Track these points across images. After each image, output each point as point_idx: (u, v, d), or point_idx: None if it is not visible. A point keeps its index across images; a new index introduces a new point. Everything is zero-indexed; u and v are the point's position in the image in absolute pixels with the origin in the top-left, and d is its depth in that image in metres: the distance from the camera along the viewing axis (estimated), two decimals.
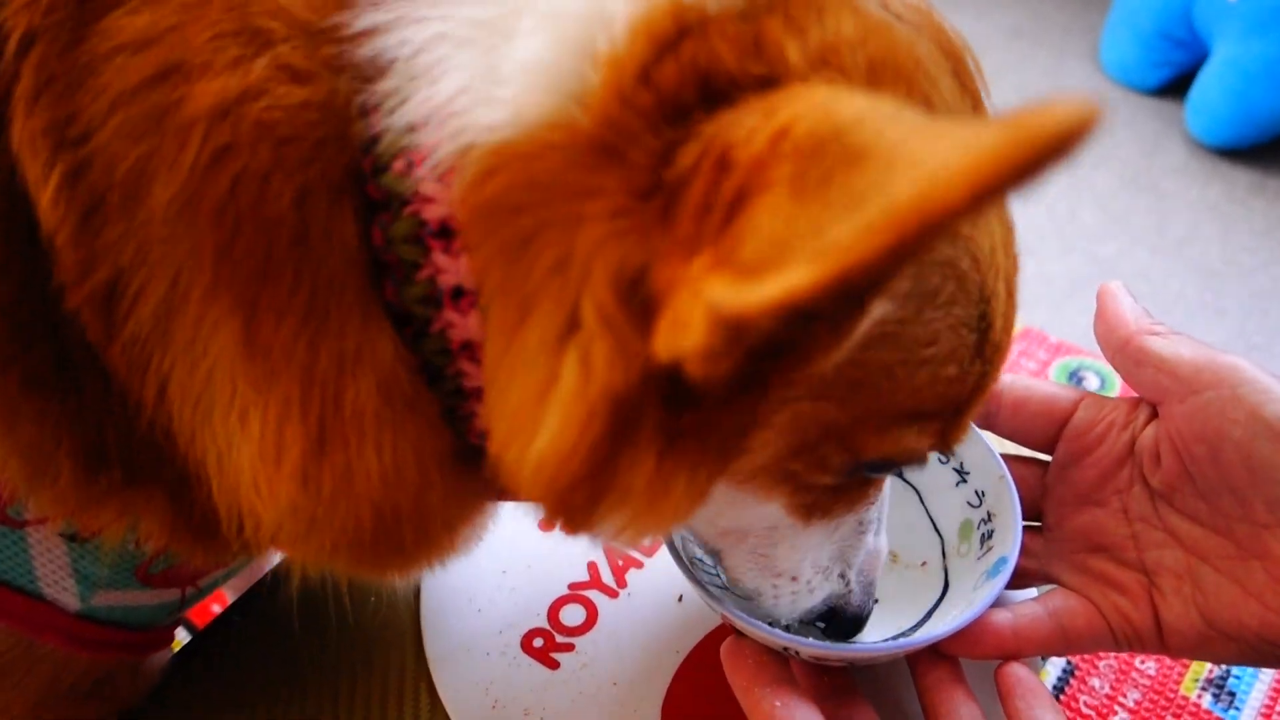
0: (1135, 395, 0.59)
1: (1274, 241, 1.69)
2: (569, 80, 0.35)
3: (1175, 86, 2.18)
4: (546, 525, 0.43)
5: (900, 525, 0.65)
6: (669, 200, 0.34)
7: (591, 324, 0.35)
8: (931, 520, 0.66)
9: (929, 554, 0.65)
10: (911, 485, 0.68)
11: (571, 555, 0.71)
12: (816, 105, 0.31)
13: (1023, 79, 2.19)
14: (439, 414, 0.42)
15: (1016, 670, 0.54)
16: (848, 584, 0.55)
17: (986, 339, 0.43)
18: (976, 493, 0.63)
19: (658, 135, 0.34)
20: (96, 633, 0.53)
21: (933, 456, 0.51)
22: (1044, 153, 0.24)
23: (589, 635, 0.66)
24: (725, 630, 0.65)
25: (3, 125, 0.38)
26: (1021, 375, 0.63)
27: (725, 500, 0.47)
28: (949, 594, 0.61)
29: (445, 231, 0.38)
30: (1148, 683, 0.80)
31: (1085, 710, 0.72)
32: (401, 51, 0.37)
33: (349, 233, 0.38)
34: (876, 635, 0.60)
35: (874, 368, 0.40)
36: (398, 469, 0.41)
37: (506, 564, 0.70)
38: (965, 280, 0.41)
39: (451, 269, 0.38)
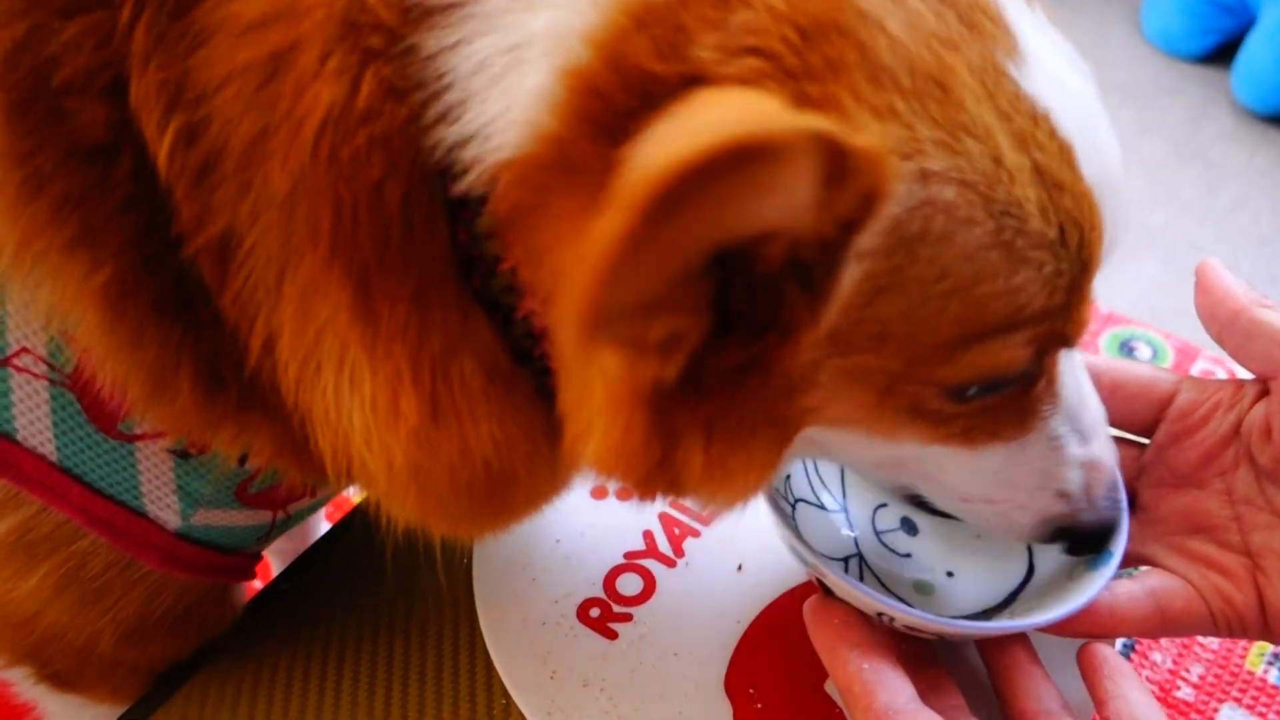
0: (1235, 377, 0.57)
1: None
2: (555, 98, 0.38)
3: (1220, 53, 2.13)
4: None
5: None
6: None
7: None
8: None
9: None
10: None
11: (626, 523, 0.69)
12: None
13: None
14: (534, 390, 0.46)
15: (1102, 649, 0.52)
16: (1071, 503, 0.52)
17: (1021, 242, 0.41)
18: None
19: (603, 153, 0.36)
20: (192, 553, 0.55)
21: None
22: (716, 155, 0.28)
23: (647, 605, 0.65)
24: (788, 600, 0.64)
25: (126, 83, 0.41)
26: (1117, 358, 0.61)
27: (843, 441, 0.48)
28: (1035, 578, 0.59)
29: None
30: (1211, 657, 0.79)
31: (1148, 685, 0.70)
32: (459, 71, 0.40)
33: (442, 229, 0.42)
34: (953, 612, 0.59)
35: (889, 319, 0.41)
36: (509, 439, 0.45)
37: (560, 532, 0.69)
38: (954, 210, 0.39)
39: (523, 262, 0.41)
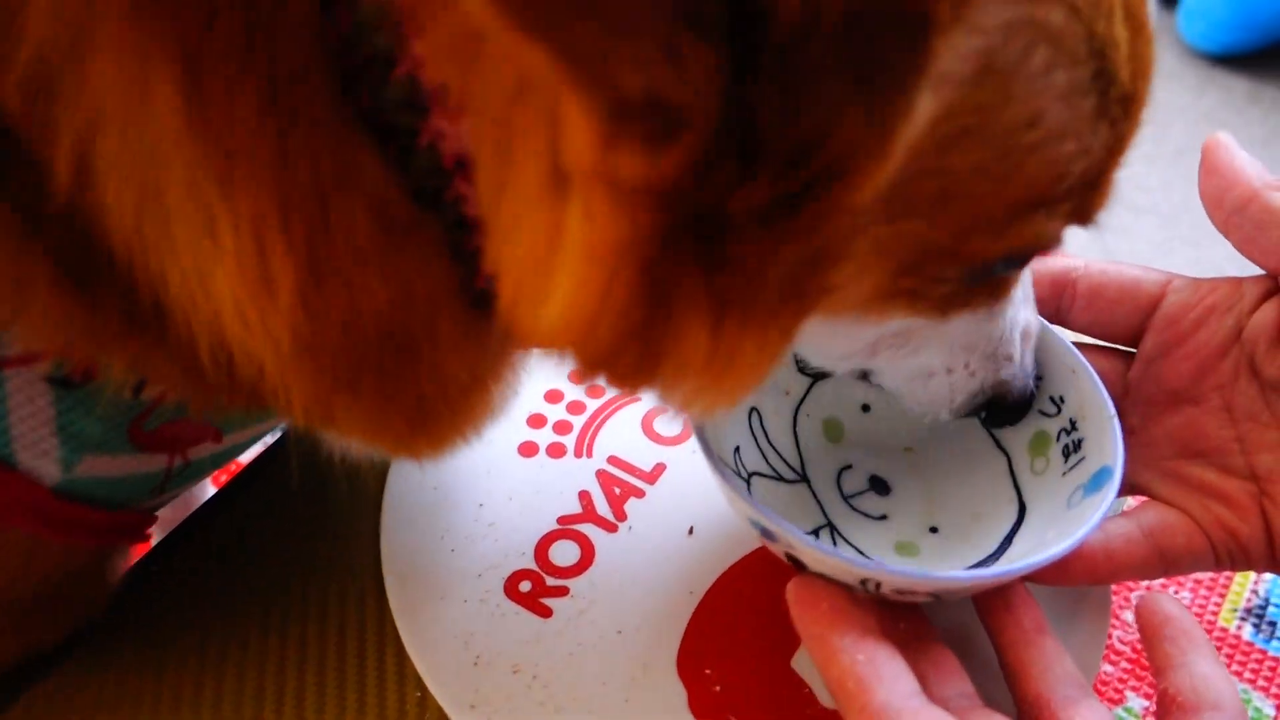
0: (1231, 276, 0.52)
1: (1273, 151, 1.66)
2: None
3: None
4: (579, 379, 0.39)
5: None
6: None
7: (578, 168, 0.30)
8: (989, 434, 0.57)
9: (987, 474, 0.57)
10: None
11: (559, 484, 0.62)
12: None
13: None
14: (444, 245, 0.37)
15: (1167, 604, 0.47)
16: (1010, 369, 0.50)
17: (1108, 97, 0.37)
18: (1053, 399, 0.54)
19: None
20: (73, 512, 0.46)
21: None
22: None
23: (585, 576, 0.57)
24: (747, 565, 0.57)
25: None
26: (1095, 259, 0.55)
27: (830, 333, 0.44)
28: (1029, 517, 0.53)
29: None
30: None
31: (1120, 646, 0.66)
32: None
33: (305, 8, 0.32)
34: (946, 569, 0.53)
35: (961, 173, 0.35)
36: (407, 296, 0.36)
37: (482, 495, 0.61)
38: (1061, 38, 0.34)
39: (434, 58, 0.32)
